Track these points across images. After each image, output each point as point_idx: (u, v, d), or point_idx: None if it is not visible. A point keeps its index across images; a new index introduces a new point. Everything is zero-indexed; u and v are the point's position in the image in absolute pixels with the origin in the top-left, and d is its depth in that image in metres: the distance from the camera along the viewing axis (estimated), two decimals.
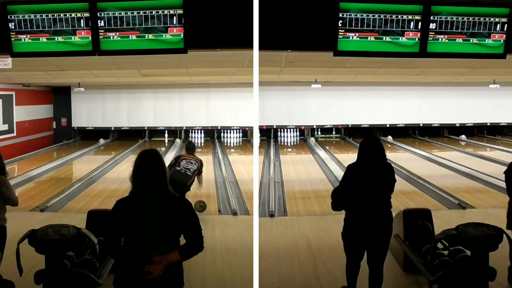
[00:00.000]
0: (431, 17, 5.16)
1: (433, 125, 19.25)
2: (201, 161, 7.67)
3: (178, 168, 7.36)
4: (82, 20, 5.12)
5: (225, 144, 18.19)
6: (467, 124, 19.30)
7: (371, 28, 5.12)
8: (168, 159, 13.95)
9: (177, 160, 7.54)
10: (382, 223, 4.16)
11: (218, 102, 18.50)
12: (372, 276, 4.24)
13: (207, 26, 5.32)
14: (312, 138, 18.41)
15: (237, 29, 5.17)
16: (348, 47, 5.15)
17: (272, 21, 5.15)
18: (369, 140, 4.25)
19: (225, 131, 19.12)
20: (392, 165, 4.43)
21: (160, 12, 5.00)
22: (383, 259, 4.21)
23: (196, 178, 7.51)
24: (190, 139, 18.76)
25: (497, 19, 5.24)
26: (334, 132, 19.54)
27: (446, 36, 5.25)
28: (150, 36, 5.08)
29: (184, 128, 18.97)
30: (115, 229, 2.92)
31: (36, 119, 17.54)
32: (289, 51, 6.30)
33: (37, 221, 6.46)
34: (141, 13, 5.02)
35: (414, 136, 19.49)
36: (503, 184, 10.01)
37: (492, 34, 5.29)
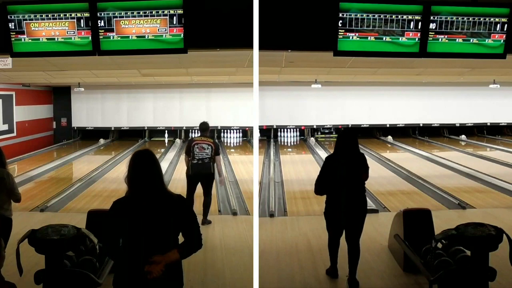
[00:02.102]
0: (431, 17, 5.16)
1: (433, 125, 19.25)
2: (215, 143, 7.14)
3: (194, 162, 6.97)
4: (82, 20, 5.12)
5: (225, 144, 18.19)
6: (467, 124, 19.30)
7: (371, 28, 5.12)
8: (168, 159, 14.01)
9: (190, 148, 7.06)
10: (356, 203, 4.79)
11: (218, 102, 18.49)
12: (350, 251, 4.82)
13: (207, 26, 5.32)
14: (312, 138, 18.41)
15: (237, 29, 5.18)
16: (348, 47, 5.15)
17: (272, 21, 5.15)
18: (344, 134, 5.02)
19: (225, 131, 19.12)
20: (365, 155, 5.00)
21: (160, 12, 5.00)
22: (359, 235, 4.84)
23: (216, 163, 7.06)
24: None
25: (497, 19, 5.24)
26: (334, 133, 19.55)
27: (446, 36, 5.25)
28: (150, 36, 5.08)
29: (184, 128, 18.96)
30: (114, 230, 2.92)
31: (36, 119, 17.53)
32: (289, 51, 6.30)
33: (37, 221, 6.46)
34: (141, 13, 5.03)
35: (414, 136, 19.49)
36: (503, 184, 10.06)
37: (492, 34, 5.29)
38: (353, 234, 4.82)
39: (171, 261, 2.87)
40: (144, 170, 2.93)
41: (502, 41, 5.32)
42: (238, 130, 19.09)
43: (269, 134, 18.52)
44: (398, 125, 19.07)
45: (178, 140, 18.39)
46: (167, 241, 2.90)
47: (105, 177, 11.63)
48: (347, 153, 4.80)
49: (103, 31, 5.12)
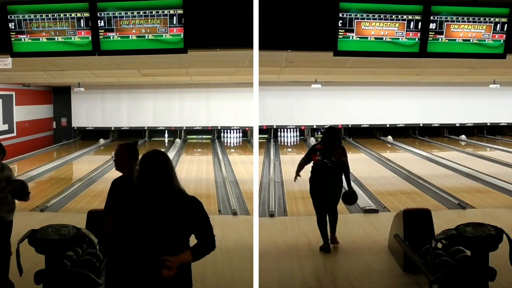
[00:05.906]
0: (431, 17, 5.16)
1: (433, 125, 19.25)
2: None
3: None
4: (82, 20, 5.12)
5: (225, 144, 18.19)
6: (467, 124, 19.30)
7: None
8: None
9: None
10: (332, 180, 5.88)
11: (218, 102, 18.50)
12: (330, 215, 6.00)
13: (207, 26, 5.31)
14: (312, 138, 18.41)
15: (237, 29, 5.17)
16: (348, 47, 5.15)
17: (272, 21, 5.15)
18: (329, 129, 6.17)
19: (225, 131, 19.13)
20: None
21: (160, 12, 5.00)
22: (336, 203, 6.00)
23: None
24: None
25: (497, 19, 5.24)
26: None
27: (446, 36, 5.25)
28: (150, 36, 5.08)
29: (184, 128, 18.97)
30: (128, 231, 2.90)
31: (36, 119, 17.54)
32: (289, 51, 6.30)
33: (37, 221, 6.45)
34: (141, 13, 5.03)
35: (414, 136, 19.49)
36: (503, 184, 10.06)
37: (492, 34, 5.29)
38: (331, 202, 5.92)
39: (184, 262, 2.85)
40: (153, 172, 2.85)
41: (502, 41, 5.31)
42: (238, 130, 19.10)
43: (269, 134, 18.52)
44: (398, 125, 19.07)
45: (178, 140, 18.39)
46: (179, 242, 2.87)
47: (105, 177, 11.61)
48: (329, 143, 5.88)
49: (103, 31, 5.12)
